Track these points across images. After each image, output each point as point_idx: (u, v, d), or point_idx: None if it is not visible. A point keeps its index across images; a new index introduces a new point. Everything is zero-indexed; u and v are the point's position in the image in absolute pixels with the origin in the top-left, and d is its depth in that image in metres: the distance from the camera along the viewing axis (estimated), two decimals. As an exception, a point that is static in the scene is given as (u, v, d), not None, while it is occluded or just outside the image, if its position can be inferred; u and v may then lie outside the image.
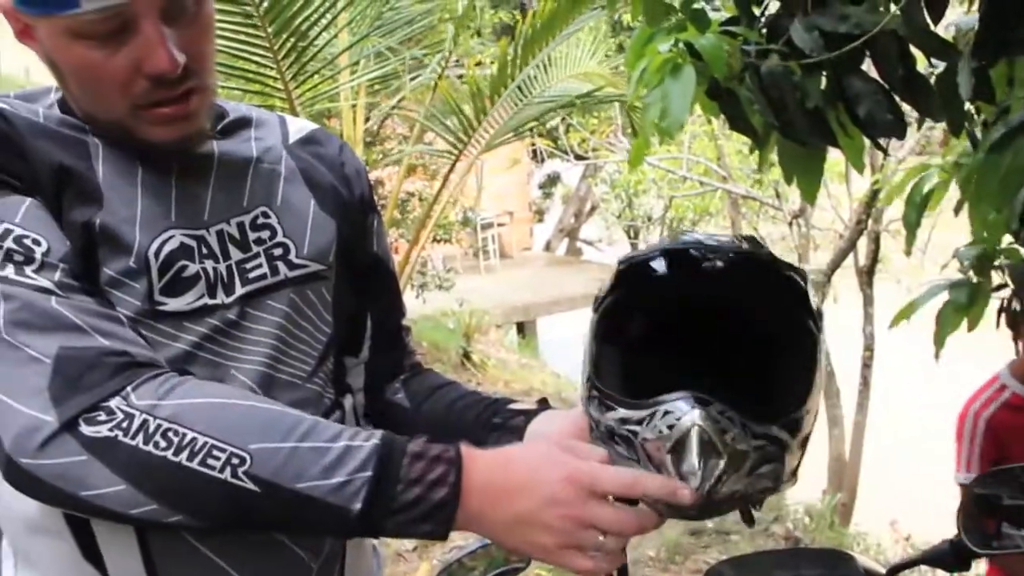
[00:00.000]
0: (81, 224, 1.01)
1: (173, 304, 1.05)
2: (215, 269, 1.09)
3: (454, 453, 0.94)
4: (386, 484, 0.91)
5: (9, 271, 0.95)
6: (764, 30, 1.93)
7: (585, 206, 17.22)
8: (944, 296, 2.36)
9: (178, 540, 1.04)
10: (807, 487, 8.58)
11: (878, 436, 10.20)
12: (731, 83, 1.91)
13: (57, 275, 0.96)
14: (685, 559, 4.30)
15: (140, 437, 0.89)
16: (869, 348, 9.49)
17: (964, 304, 2.30)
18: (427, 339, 7.73)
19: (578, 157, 12.43)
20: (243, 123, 1.20)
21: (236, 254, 1.11)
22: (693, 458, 0.93)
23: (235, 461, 0.89)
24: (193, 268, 1.07)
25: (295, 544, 1.11)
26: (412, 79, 4.94)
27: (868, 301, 9.52)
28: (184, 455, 0.89)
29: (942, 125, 2.26)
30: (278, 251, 1.14)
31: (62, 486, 0.90)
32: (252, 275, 1.12)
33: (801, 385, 1.05)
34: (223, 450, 0.89)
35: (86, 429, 0.89)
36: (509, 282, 13.06)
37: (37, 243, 0.97)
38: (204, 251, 1.08)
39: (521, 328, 13.41)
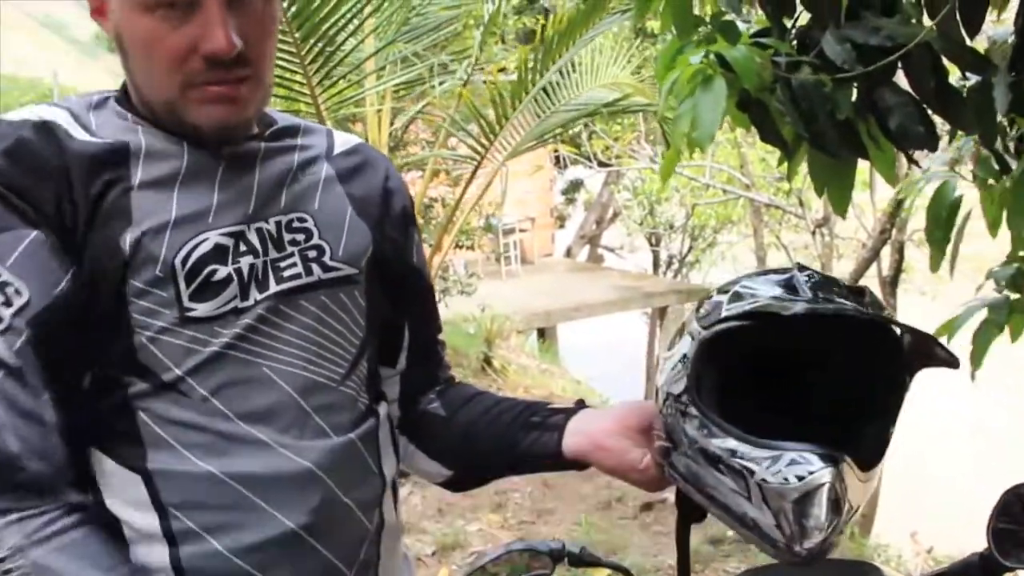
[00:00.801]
0: (111, 242, 1.03)
1: (202, 309, 1.06)
2: (252, 266, 1.10)
3: None
4: None
5: None
6: (795, 42, 1.92)
7: (607, 213, 17.20)
8: (982, 315, 2.34)
9: (207, 545, 1.05)
10: (828, 498, 8.52)
11: (900, 447, 10.14)
12: (762, 94, 1.91)
13: (20, 342, 0.98)
14: (705, 567, 4.28)
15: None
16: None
17: (1002, 322, 2.29)
18: (448, 344, 7.67)
19: (601, 164, 12.42)
20: (291, 131, 1.22)
21: (272, 252, 1.12)
22: (822, 516, 0.96)
23: None
24: (224, 271, 1.07)
25: (329, 551, 1.11)
26: (438, 84, 4.95)
27: (892, 311, 9.47)
28: None
29: (972, 137, 2.24)
30: (312, 253, 1.15)
31: None
32: (286, 274, 1.12)
33: (888, 438, 1.09)
34: None
35: None
36: (530, 288, 13.06)
37: (18, 293, 0.99)
38: (243, 248, 1.10)
39: (542, 334, 13.41)
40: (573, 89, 5.28)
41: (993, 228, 2.17)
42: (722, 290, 1.08)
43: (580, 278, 14.54)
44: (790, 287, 1.04)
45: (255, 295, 1.09)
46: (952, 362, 1.00)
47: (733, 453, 1.01)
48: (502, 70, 6.98)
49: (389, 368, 1.30)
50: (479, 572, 1.31)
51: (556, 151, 12.35)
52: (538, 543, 1.30)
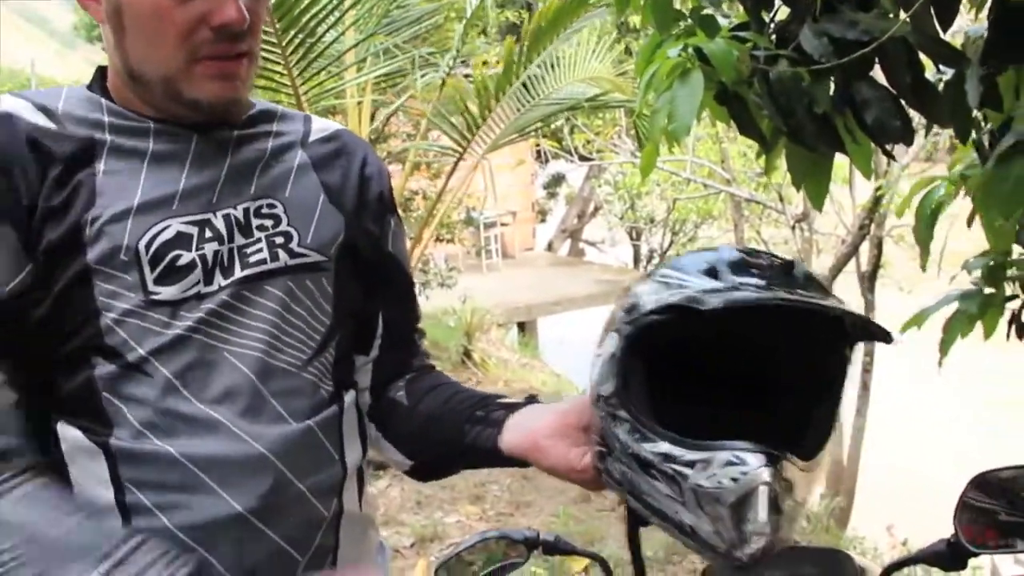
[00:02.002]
0: (73, 224, 1.04)
1: (167, 293, 1.07)
2: (216, 252, 1.10)
3: None
4: None
5: None
6: (773, 36, 1.94)
7: (588, 207, 17.22)
8: (954, 306, 2.37)
9: (156, 521, 1.06)
10: (806, 491, 8.58)
11: (876, 441, 10.20)
12: (740, 88, 1.92)
13: None
14: (682, 559, 4.31)
15: None
16: (869, 353, 9.49)
17: (974, 314, 2.31)
18: (428, 337, 7.65)
19: (582, 158, 12.42)
20: (267, 116, 1.22)
21: (239, 238, 1.13)
22: (762, 518, 0.90)
23: None
24: (188, 256, 1.08)
25: (278, 536, 1.11)
26: (420, 78, 4.95)
27: (870, 307, 9.53)
28: None
29: (948, 132, 2.27)
30: (280, 239, 1.16)
31: None
32: (252, 259, 1.13)
33: (833, 421, 1.03)
34: (31, 569, 0.94)
35: None
36: (511, 282, 13.06)
37: None
38: (208, 235, 1.10)
39: (522, 327, 13.41)
40: (554, 83, 5.28)
41: (969, 222, 2.20)
42: (650, 277, 1.02)
43: (561, 272, 14.55)
44: (712, 272, 0.97)
45: (219, 280, 1.10)
46: (886, 337, 0.95)
47: (665, 457, 0.95)
48: (484, 63, 6.99)
49: (363, 356, 1.30)
50: (454, 560, 1.32)
51: (538, 145, 12.34)
52: (512, 531, 1.31)
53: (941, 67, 1.98)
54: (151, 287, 1.06)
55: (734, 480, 0.90)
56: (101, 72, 1.16)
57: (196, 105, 1.09)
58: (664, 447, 0.95)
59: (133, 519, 1.05)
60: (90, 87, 1.14)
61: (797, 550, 1.54)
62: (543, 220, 17.62)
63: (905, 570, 1.30)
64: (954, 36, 2.25)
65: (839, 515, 8.20)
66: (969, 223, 2.16)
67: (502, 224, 14.21)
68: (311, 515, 1.15)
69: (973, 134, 2.08)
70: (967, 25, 2.28)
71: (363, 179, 1.27)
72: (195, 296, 1.08)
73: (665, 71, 1.89)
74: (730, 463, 0.91)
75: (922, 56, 1.83)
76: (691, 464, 0.93)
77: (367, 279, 1.27)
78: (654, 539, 4.55)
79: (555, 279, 13.73)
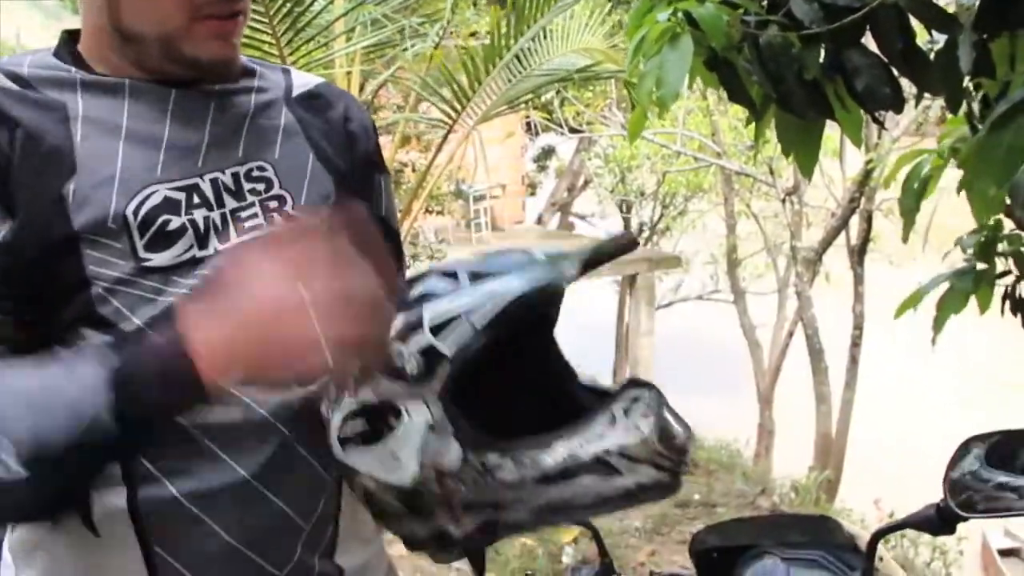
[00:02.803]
0: (54, 193, 1.01)
1: (158, 259, 1.04)
2: (207, 218, 1.08)
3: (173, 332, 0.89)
4: (128, 401, 0.87)
5: None
6: (764, 1, 1.92)
7: (578, 180, 17.18)
8: (946, 284, 2.37)
9: (163, 489, 1.05)
10: (794, 463, 8.64)
11: (865, 415, 10.26)
12: (730, 54, 1.91)
13: None
14: (671, 530, 4.33)
15: None
16: (858, 327, 9.54)
17: (968, 291, 2.31)
18: (418, 310, 7.65)
19: (572, 131, 12.40)
20: (246, 72, 1.19)
21: (231, 202, 1.10)
22: (678, 426, 0.95)
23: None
24: (178, 221, 1.06)
25: (282, 502, 1.10)
26: (409, 49, 4.91)
27: (859, 280, 9.57)
28: None
29: (939, 103, 2.26)
30: (273, 203, 1.13)
31: None
32: (247, 224, 1.10)
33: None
34: None
35: None
36: (501, 255, 13.05)
37: None
38: (196, 200, 1.07)
39: (512, 301, 13.42)
40: (545, 54, 5.24)
41: (959, 190, 2.19)
42: (405, 336, 0.97)
43: (551, 245, 14.55)
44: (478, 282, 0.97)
45: (215, 244, 1.08)
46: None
47: (572, 457, 0.94)
48: (473, 34, 6.94)
49: None
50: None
51: (528, 118, 12.31)
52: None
53: (933, 35, 1.97)
54: (142, 253, 1.03)
55: (644, 416, 0.94)
56: (69, 35, 1.13)
57: (196, 64, 1.07)
58: (561, 450, 0.95)
59: (139, 488, 1.04)
60: (56, 53, 1.11)
61: (787, 516, 1.54)
62: (533, 193, 17.58)
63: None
64: (947, 3, 2.24)
65: (827, 488, 8.25)
66: (958, 191, 2.15)
67: (492, 197, 14.17)
68: (314, 481, 1.14)
69: (964, 105, 2.07)
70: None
71: (349, 136, 1.25)
72: (190, 261, 1.06)
73: (655, 36, 1.87)
74: (627, 412, 0.95)
75: (914, 24, 1.81)
76: (599, 438, 0.94)
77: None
78: (642, 510, 4.57)
79: (545, 252, 13.70)
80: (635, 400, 0.95)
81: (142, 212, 1.03)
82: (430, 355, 0.95)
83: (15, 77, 1.05)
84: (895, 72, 1.84)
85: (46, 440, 0.87)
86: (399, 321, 0.97)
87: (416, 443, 0.96)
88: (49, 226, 1.00)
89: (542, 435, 0.96)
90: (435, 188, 7.09)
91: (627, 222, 16.34)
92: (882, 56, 1.83)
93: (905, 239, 2.44)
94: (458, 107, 4.85)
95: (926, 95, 2.05)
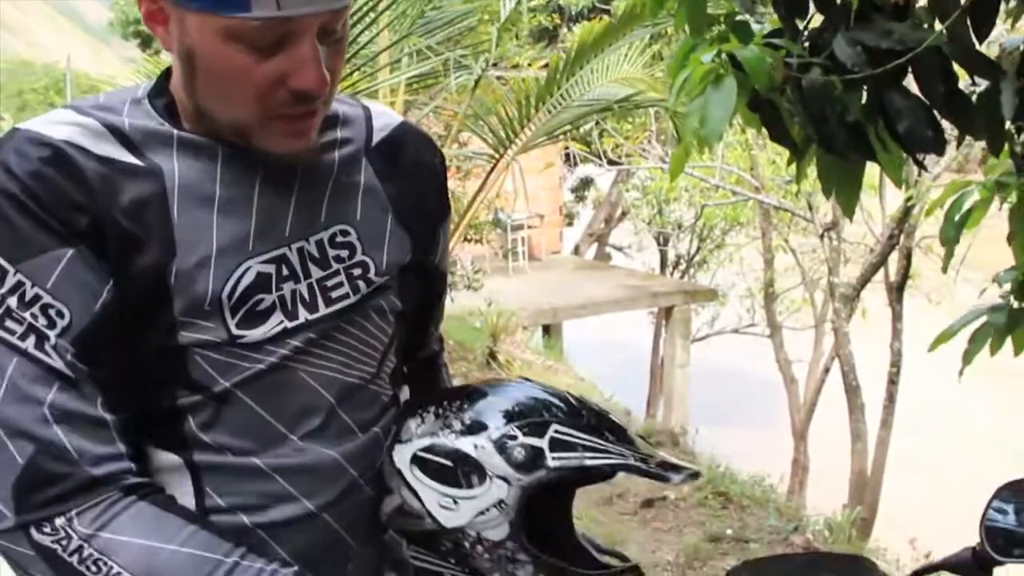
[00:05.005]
0: (154, 272, 1.04)
1: (251, 335, 1.09)
2: (294, 291, 1.11)
3: None
4: None
5: (29, 344, 1.00)
6: (807, 43, 1.94)
7: (616, 211, 17.20)
8: (982, 319, 2.36)
9: (235, 519, 1.11)
10: (828, 500, 8.54)
11: (901, 452, 10.13)
12: (772, 95, 1.93)
13: (69, 356, 1.01)
14: (703, 564, 4.31)
15: (75, 557, 0.99)
16: (896, 364, 9.44)
17: (1002, 327, 2.30)
18: (454, 338, 7.76)
19: (611, 162, 12.43)
20: (330, 122, 1.17)
21: (316, 272, 1.13)
22: None
23: None
24: (269, 299, 1.09)
25: (341, 528, 1.16)
26: (455, 79, 4.97)
27: (897, 317, 9.47)
28: None
29: (980, 143, 2.26)
30: (357, 270, 1.16)
31: (15, 563, 1.03)
32: (334, 294, 1.14)
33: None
34: None
35: (35, 534, 0.99)
36: (537, 284, 13.08)
37: (60, 315, 1.00)
38: (284, 273, 1.10)
39: (547, 330, 13.42)
40: (585, 85, 5.29)
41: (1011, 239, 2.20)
42: (527, 429, 1.10)
43: (587, 276, 14.55)
44: (595, 429, 1.10)
45: (304, 315, 1.12)
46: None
47: None
48: (516, 66, 7.00)
49: None
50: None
51: (566, 148, 12.36)
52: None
53: (976, 79, 1.98)
54: (235, 331, 1.08)
55: None
56: (165, 76, 1.12)
57: (265, 154, 1.07)
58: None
59: (213, 516, 1.09)
60: (152, 97, 1.10)
61: (821, 555, 1.55)
62: (570, 224, 17.62)
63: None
64: (988, 47, 2.25)
65: (861, 526, 8.15)
66: (1009, 241, 2.15)
67: (529, 226, 14.22)
68: (373, 512, 1.19)
69: (1006, 146, 2.08)
70: (1003, 36, 2.28)
71: (423, 188, 1.27)
72: (282, 332, 1.10)
73: (698, 76, 1.90)
74: None
75: (956, 67, 1.83)
76: None
77: (419, 288, 1.30)
78: (674, 544, 4.56)
79: (581, 283, 13.73)
80: None
81: (237, 293, 1.07)
82: (538, 457, 1.07)
83: (118, 133, 1.05)
84: (937, 115, 1.86)
85: None
86: (530, 397, 1.14)
87: (478, 507, 1.09)
88: (150, 307, 1.04)
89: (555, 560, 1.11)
90: (473, 217, 7.13)
91: (664, 254, 16.32)
92: (924, 99, 1.84)
93: (945, 269, 2.45)
94: (506, 141, 4.90)
95: (967, 137, 2.06)
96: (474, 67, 4.92)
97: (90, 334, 1.02)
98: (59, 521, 0.99)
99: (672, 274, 16.18)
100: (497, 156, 5.00)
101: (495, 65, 5.37)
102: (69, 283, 1.01)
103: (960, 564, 1.22)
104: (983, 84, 1.89)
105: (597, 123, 9.79)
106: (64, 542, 0.99)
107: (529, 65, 7.15)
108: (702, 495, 5.22)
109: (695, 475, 1.12)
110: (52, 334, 1.00)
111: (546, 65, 6.78)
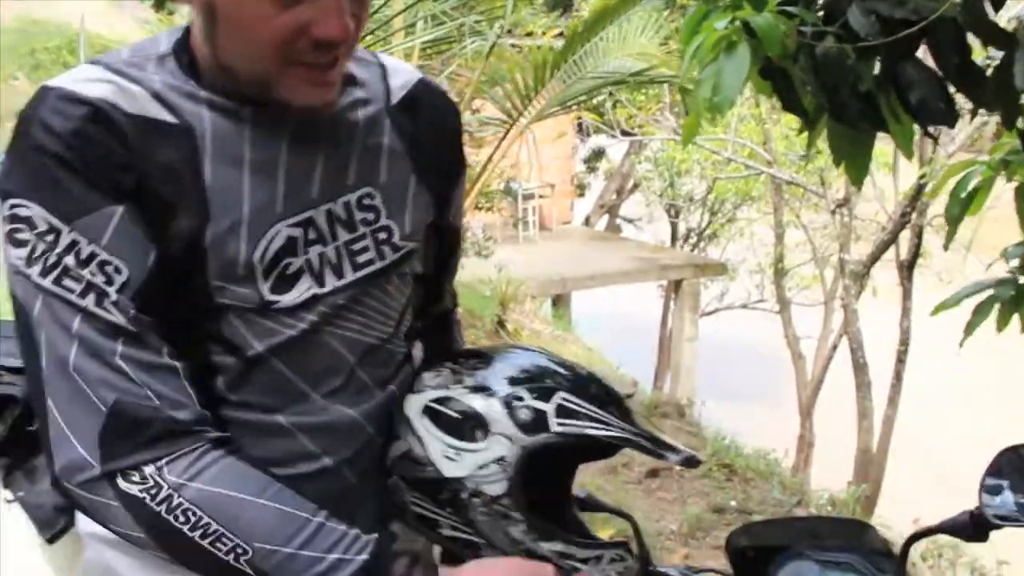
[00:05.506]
0: (190, 235, 1.04)
1: (283, 300, 1.10)
2: (322, 255, 1.12)
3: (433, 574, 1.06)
4: None
5: (89, 302, 1.00)
6: (821, 12, 1.94)
7: (627, 183, 17.15)
8: (988, 291, 2.37)
9: None
10: (832, 477, 8.58)
11: (907, 431, 10.15)
12: (785, 63, 1.92)
13: (132, 311, 1.02)
14: (706, 534, 4.34)
15: (164, 506, 1.01)
16: (904, 343, 9.45)
17: (1009, 301, 2.31)
18: (464, 306, 7.70)
19: (624, 133, 12.39)
20: (347, 82, 1.15)
21: (343, 234, 1.14)
22: None
23: (239, 551, 1.01)
24: (297, 263, 1.10)
25: (358, 481, 1.20)
26: (469, 45, 4.96)
27: (907, 295, 9.47)
28: (197, 534, 1.01)
29: (995, 119, 2.26)
30: (383, 234, 1.17)
31: (92, 514, 1.04)
32: (361, 259, 1.15)
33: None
34: (231, 540, 1.01)
35: (122, 483, 1.01)
36: (546, 255, 13.06)
37: (118, 271, 1.01)
38: (312, 236, 1.11)
39: (556, 301, 13.43)
40: (600, 57, 5.27)
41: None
42: (535, 392, 1.12)
43: (597, 247, 14.54)
44: (600, 401, 1.13)
45: (332, 281, 1.13)
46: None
47: (562, 555, 1.12)
48: (529, 34, 6.98)
49: None
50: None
51: (579, 118, 12.31)
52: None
53: (990, 51, 1.97)
54: (267, 296, 1.09)
55: (619, 573, 1.14)
56: (188, 33, 1.10)
57: (287, 106, 1.06)
58: (559, 546, 1.13)
59: None
60: (177, 56, 1.09)
61: (823, 519, 1.57)
62: (581, 194, 17.57)
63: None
64: (1008, 22, 2.23)
65: (865, 503, 8.19)
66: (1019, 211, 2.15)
67: (540, 196, 14.20)
68: (383, 462, 1.22)
69: (1020, 121, 2.07)
70: (1021, 9, 2.26)
71: (443, 145, 1.27)
72: (312, 298, 1.12)
73: (711, 43, 1.90)
74: (614, 560, 1.14)
75: (971, 39, 1.82)
76: (586, 560, 1.13)
77: (435, 246, 1.31)
78: (678, 514, 4.59)
79: (591, 254, 13.72)
80: (624, 557, 1.15)
81: (267, 257, 1.08)
82: (542, 420, 1.10)
83: (150, 91, 1.05)
84: (950, 87, 1.85)
85: (284, 571, 1.01)
86: (540, 365, 1.18)
87: (480, 460, 1.12)
88: (185, 271, 1.05)
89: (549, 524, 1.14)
90: (485, 185, 7.13)
91: (675, 227, 16.30)
92: (937, 70, 1.84)
93: (947, 247, 2.45)
94: (520, 106, 4.89)
95: (981, 111, 2.05)
96: (489, 33, 4.90)
97: (147, 289, 1.03)
98: (148, 469, 1.00)
99: (682, 247, 16.16)
100: (510, 123, 4.99)
101: (509, 32, 5.36)
102: (123, 240, 1.01)
103: (958, 527, 1.23)
104: (997, 57, 1.88)
105: (611, 93, 9.75)
106: (153, 491, 1.00)
107: (543, 33, 7.11)
108: (707, 467, 5.25)
109: (694, 460, 1.14)
110: (111, 290, 1.01)
111: (560, 34, 6.76)
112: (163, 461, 1.01)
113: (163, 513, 1.00)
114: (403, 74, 1.25)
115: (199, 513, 1.00)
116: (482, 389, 1.14)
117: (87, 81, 1.04)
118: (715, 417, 8.86)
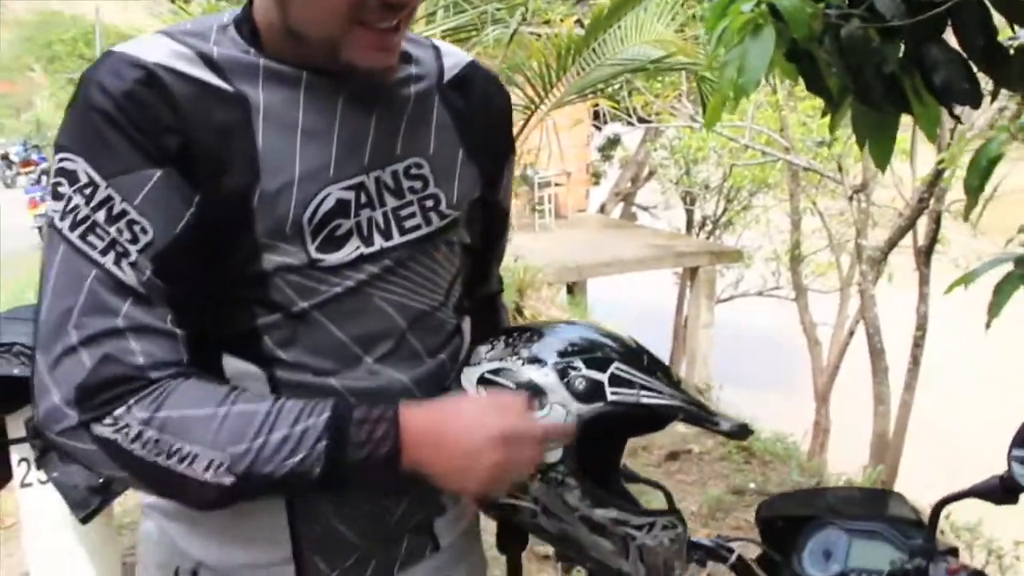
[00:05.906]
0: (239, 194, 1.09)
1: (330, 259, 1.14)
2: (370, 218, 1.16)
3: (392, 412, 1.08)
4: (339, 450, 1.05)
5: (109, 260, 1.05)
6: (846, -6, 1.96)
7: (643, 171, 17.14)
8: (1006, 268, 2.37)
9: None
10: (848, 462, 8.58)
11: (924, 417, 10.14)
12: (810, 45, 1.95)
13: (147, 273, 1.06)
14: (726, 515, 4.38)
15: (137, 443, 1.04)
16: (922, 328, 9.43)
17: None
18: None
19: (641, 120, 12.38)
20: (403, 58, 1.21)
21: (391, 201, 1.18)
22: (681, 562, 1.23)
23: (216, 464, 1.04)
24: (347, 225, 1.14)
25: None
26: (491, 32, 4.99)
27: (924, 281, 9.43)
28: (173, 460, 1.04)
29: (1015, 102, 2.27)
30: (430, 202, 1.22)
31: (78, 459, 1.08)
32: (408, 224, 1.19)
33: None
34: (206, 455, 1.04)
35: (96, 428, 1.04)
36: (563, 242, 13.08)
37: (144, 232, 1.05)
38: (362, 200, 1.15)
39: (572, 288, 13.45)
40: (617, 44, 5.29)
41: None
42: (590, 363, 1.16)
43: (613, 234, 14.54)
44: (652, 372, 1.18)
45: (380, 242, 1.17)
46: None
47: (616, 521, 1.17)
48: (547, 22, 6.99)
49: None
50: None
51: (596, 106, 12.30)
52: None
53: (1014, 32, 1.99)
54: (315, 255, 1.13)
55: (672, 540, 1.20)
56: (249, 5, 1.16)
57: (352, 69, 1.11)
58: (615, 513, 1.18)
59: None
60: (238, 24, 1.15)
61: (852, 490, 1.61)
62: (597, 182, 17.57)
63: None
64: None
65: (881, 487, 8.19)
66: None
67: (557, 184, 14.20)
68: None
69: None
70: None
71: (491, 125, 1.32)
72: (359, 258, 1.16)
73: (737, 26, 1.92)
74: (666, 527, 1.20)
75: (996, 21, 1.84)
76: (640, 527, 1.18)
77: (482, 223, 1.36)
78: (698, 495, 4.63)
79: (607, 241, 13.72)
80: (675, 524, 1.21)
81: (317, 218, 1.12)
82: (598, 389, 1.15)
83: (208, 59, 1.10)
84: (974, 68, 1.88)
85: (260, 462, 1.04)
86: (592, 337, 1.22)
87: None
88: (232, 228, 1.10)
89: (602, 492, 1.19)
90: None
91: (690, 215, 16.27)
92: (962, 52, 1.86)
93: (967, 218, 2.46)
94: (542, 94, 4.92)
95: (1003, 91, 2.07)
96: (510, 21, 4.93)
97: (169, 254, 1.06)
98: (118, 411, 1.04)
99: (698, 235, 16.14)
100: (531, 111, 5.03)
101: (527, 20, 5.38)
102: (155, 203, 1.06)
103: (988, 491, 1.27)
104: (1022, 37, 1.91)
105: (628, 81, 9.74)
106: (125, 431, 1.03)
107: (561, 21, 7.12)
108: (725, 449, 5.28)
109: (746, 429, 1.18)
110: (134, 249, 1.05)
111: (578, 21, 6.76)
112: (131, 400, 1.04)
113: (136, 450, 1.04)
114: (455, 56, 1.31)
115: (169, 439, 1.03)
116: (537, 360, 1.18)
117: (149, 47, 1.09)
118: (731, 404, 8.87)
